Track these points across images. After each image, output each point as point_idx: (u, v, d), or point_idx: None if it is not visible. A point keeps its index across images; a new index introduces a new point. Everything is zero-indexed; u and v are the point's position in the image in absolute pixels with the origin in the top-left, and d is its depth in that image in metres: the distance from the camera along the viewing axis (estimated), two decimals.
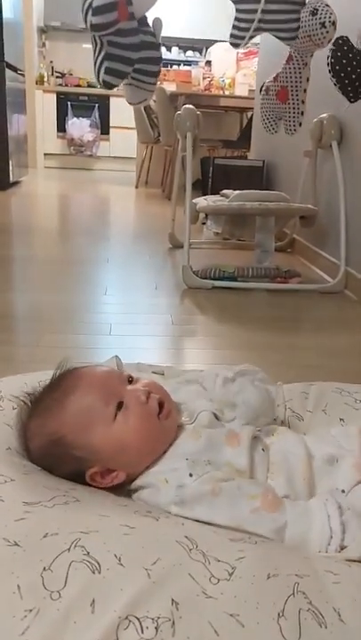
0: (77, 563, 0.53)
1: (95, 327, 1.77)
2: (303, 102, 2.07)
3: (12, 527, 0.56)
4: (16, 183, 5.18)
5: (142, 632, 0.48)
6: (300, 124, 2.08)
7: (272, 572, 0.55)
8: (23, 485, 0.65)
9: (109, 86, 1.60)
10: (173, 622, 0.49)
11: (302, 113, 2.07)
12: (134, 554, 0.54)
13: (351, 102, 1.98)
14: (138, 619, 0.49)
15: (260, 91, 2.30)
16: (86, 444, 0.70)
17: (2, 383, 0.97)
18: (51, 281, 2.30)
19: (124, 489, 0.73)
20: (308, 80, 2.01)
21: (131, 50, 1.58)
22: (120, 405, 0.71)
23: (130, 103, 1.81)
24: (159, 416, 0.73)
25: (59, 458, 0.71)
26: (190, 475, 0.68)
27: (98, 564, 0.53)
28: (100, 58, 1.56)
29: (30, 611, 0.49)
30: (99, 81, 1.51)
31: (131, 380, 0.76)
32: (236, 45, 1.88)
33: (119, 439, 0.70)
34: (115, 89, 1.77)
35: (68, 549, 0.54)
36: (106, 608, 0.49)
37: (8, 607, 0.49)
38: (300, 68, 1.99)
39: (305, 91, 2.04)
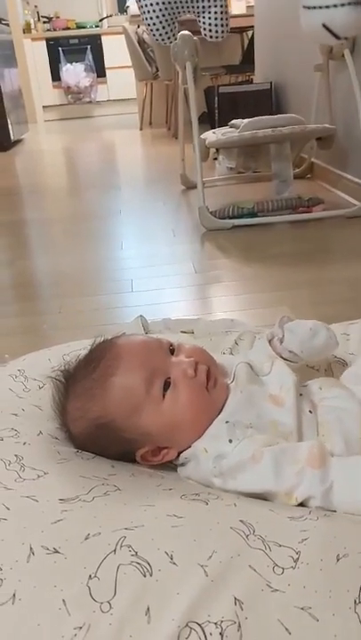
0: (126, 566, 0.48)
1: (116, 285, 1.70)
2: None
3: (49, 532, 0.51)
4: (18, 142, 5.03)
5: None
6: (228, 25, 1.64)
7: (341, 553, 0.49)
8: (58, 478, 0.60)
9: None
10: (239, 625, 0.44)
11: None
12: (187, 549, 0.49)
13: None
14: (200, 625, 0.44)
15: None
16: (136, 427, 0.65)
17: (25, 362, 0.92)
18: (65, 242, 2.23)
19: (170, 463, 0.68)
20: None
21: None
22: (167, 382, 0.66)
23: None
24: (207, 386, 0.67)
25: (106, 441, 0.67)
26: (230, 441, 0.63)
27: (148, 564, 0.48)
28: None
29: (80, 628, 0.44)
30: None
31: (172, 349, 0.69)
32: None
33: (170, 419, 0.65)
34: None
35: (114, 551, 0.49)
36: (163, 616, 0.44)
37: (55, 626, 0.44)
38: None
39: None
